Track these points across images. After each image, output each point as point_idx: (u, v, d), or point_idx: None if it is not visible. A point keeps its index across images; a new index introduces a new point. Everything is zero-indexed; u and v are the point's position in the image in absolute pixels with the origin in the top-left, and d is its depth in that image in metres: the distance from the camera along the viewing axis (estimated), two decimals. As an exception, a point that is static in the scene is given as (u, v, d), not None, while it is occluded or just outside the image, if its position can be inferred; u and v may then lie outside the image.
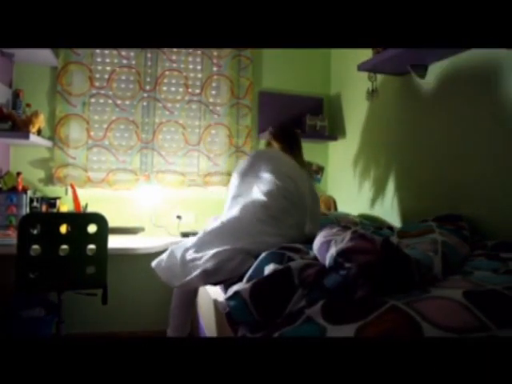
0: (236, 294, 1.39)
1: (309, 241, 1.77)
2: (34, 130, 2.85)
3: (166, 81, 3.44)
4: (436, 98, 2.47)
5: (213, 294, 2.32)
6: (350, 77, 3.45)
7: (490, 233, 2.05)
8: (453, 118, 2.34)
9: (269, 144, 2.58)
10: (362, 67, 2.73)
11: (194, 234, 3.19)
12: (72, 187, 3.08)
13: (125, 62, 3.35)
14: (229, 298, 1.42)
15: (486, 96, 2.12)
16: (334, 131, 3.66)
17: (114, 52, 3.33)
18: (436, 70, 2.47)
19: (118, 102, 3.33)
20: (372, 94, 2.84)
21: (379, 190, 3.02)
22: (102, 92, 3.31)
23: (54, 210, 3.00)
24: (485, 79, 2.13)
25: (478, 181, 2.16)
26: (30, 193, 3.01)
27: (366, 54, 2.94)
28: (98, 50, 3.29)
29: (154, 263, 2.06)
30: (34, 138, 2.79)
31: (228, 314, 1.42)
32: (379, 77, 2.86)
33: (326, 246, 1.43)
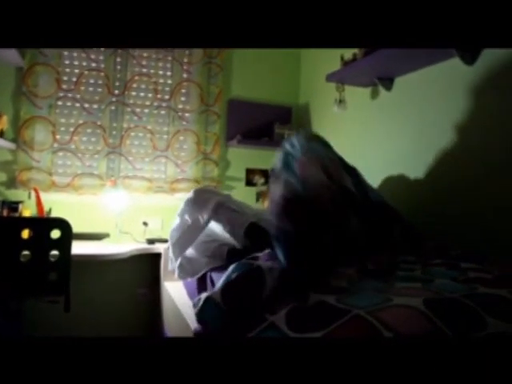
0: (208, 299, 1.36)
1: None
2: (-4, 131, 2.78)
3: (135, 85, 3.41)
4: (401, 109, 2.54)
5: (180, 306, 2.30)
6: (318, 87, 3.50)
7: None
8: (417, 128, 2.41)
9: None
10: (330, 78, 2.78)
11: (161, 240, 3.17)
12: (35, 191, 3.01)
13: (93, 65, 3.31)
14: (200, 311, 1.38)
15: (447, 107, 2.20)
16: (303, 140, 3.69)
17: (83, 55, 3.28)
18: (401, 82, 2.54)
19: (86, 105, 3.28)
20: (339, 104, 2.88)
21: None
22: (70, 95, 3.25)
23: (16, 215, 2.92)
24: (446, 92, 2.21)
25: (442, 185, 2.23)
26: (-10, 196, 2.93)
27: (334, 65, 2.99)
28: (66, 52, 3.24)
29: None
30: (-4, 139, 2.73)
31: (202, 323, 1.39)
32: (347, 88, 2.91)
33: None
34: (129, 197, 3.33)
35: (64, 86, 3.24)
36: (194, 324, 1.94)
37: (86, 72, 3.29)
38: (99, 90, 3.32)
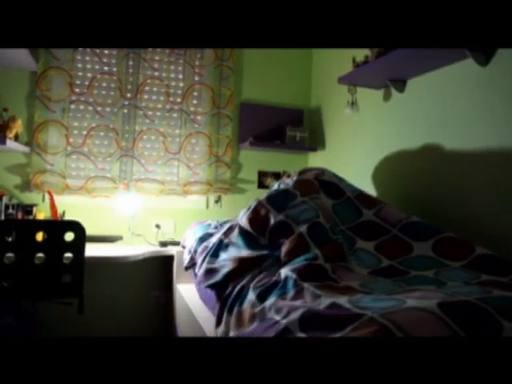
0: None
1: None
2: (11, 135, 2.81)
3: (147, 89, 3.43)
4: (414, 111, 2.52)
5: (193, 308, 2.30)
6: (330, 89, 3.49)
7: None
8: (430, 130, 2.39)
9: None
10: (341, 80, 2.77)
11: (173, 243, 3.18)
12: (49, 194, 3.04)
13: (106, 68, 3.33)
14: None
15: (460, 108, 2.18)
16: (314, 143, 3.69)
17: (95, 58, 3.31)
18: (414, 84, 2.53)
19: (99, 108, 3.31)
20: (352, 106, 2.87)
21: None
22: (82, 98, 3.28)
23: (31, 217, 2.95)
24: (459, 93, 2.19)
25: (456, 186, 2.21)
26: (5, 199, 2.96)
27: (346, 67, 2.99)
28: (78, 56, 3.27)
29: None
30: (10, 143, 2.75)
31: None
32: (359, 90, 2.90)
33: None
34: (141, 199, 3.35)
35: (77, 90, 3.27)
36: (206, 326, 1.95)
37: (99, 75, 3.31)
38: (112, 93, 3.34)
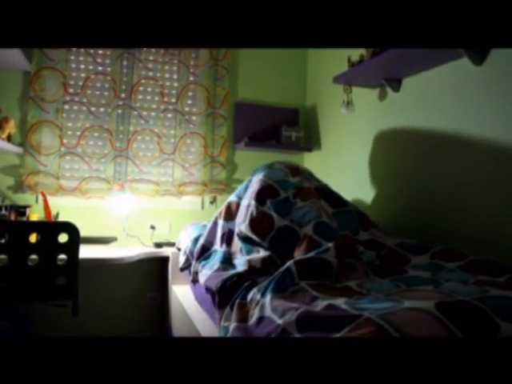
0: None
1: None
2: (3, 135, 2.79)
3: (141, 89, 3.41)
4: (409, 110, 2.52)
5: (188, 309, 2.29)
6: (325, 89, 3.49)
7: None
8: (425, 129, 2.39)
9: None
10: (337, 79, 2.76)
11: (168, 244, 3.16)
12: (43, 195, 3.01)
13: (100, 68, 3.31)
14: None
15: (455, 107, 2.18)
16: (310, 142, 3.69)
17: (89, 58, 3.28)
18: (409, 83, 2.52)
19: (93, 109, 3.29)
20: (347, 106, 2.87)
21: (354, 203, 3.04)
22: (76, 99, 3.26)
23: (24, 219, 2.92)
24: (454, 92, 2.19)
25: (452, 184, 2.21)
26: (-2, 200, 2.94)
27: (341, 66, 2.98)
28: (72, 56, 3.25)
29: None
30: (3, 143, 2.73)
31: None
32: (354, 89, 2.89)
33: None
34: (136, 200, 3.33)
35: (71, 90, 3.25)
36: (201, 327, 1.93)
37: (93, 76, 3.29)
38: (106, 93, 3.32)
